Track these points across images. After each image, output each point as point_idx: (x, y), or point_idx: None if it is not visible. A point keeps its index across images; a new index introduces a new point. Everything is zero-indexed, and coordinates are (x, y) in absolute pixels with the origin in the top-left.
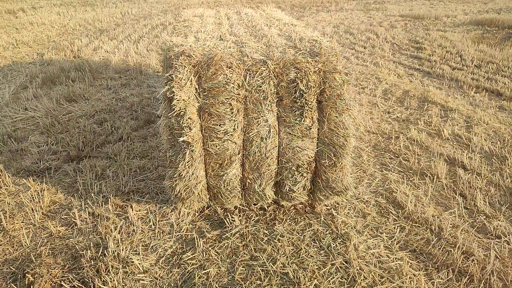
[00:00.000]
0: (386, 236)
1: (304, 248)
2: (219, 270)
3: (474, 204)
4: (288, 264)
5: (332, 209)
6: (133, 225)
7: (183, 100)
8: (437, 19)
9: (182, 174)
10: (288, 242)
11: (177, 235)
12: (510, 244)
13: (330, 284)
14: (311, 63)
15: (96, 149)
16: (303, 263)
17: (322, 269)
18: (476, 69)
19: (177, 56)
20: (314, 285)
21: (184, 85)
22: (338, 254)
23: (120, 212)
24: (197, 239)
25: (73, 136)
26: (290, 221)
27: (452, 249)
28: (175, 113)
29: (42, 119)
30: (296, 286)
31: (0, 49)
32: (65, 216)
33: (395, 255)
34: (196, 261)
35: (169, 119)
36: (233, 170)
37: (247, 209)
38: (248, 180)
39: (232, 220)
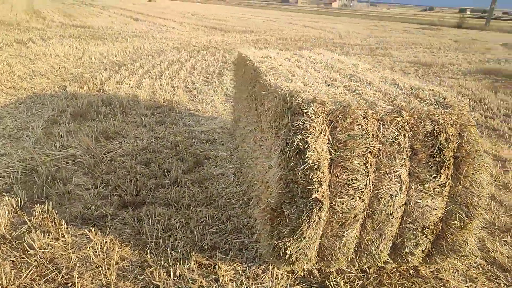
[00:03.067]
0: None
1: None
2: None
3: None
4: None
5: (436, 271)
6: None
7: (317, 152)
8: (444, 66)
9: (304, 235)
10: None
11: None
12: None
13: None
14: (446, 115)
15: (151, 194)
16: None
17: None
18: (506, 118)
19: (307, 103)
20: None
21: (319, 135)
22: None
23: (205, 273)
24: None
25: (121, 178)
26: (399, 286)
27: None
28: (308, 166)
29: (85, 158)
30: None
31: (18, 80)
32: (142, 276)
33: None
34: None
35: (290, 171)
36: (354, 231)
37: (347, 270)
38: (365, 241)
39: (335, 284)
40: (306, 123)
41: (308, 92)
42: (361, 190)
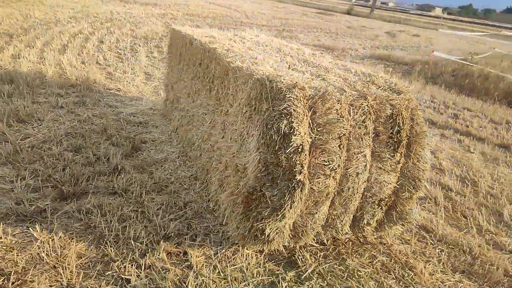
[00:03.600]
0: (436, 260)
1: (385, 281)
2: None
3: (478, 223)
4: None
5: (379, 238)
6: (201, 275)
7: (301, 136)
8: (344, 51)
9: (285, 215)
10: (367, 277)
11: (254, 281)
12: None
13: None
14: (401, 100)
15: (92, 183)
16: None
17: None
18: None
19: (288, 88)
20: None
21: (302, 120)
22: (416, 284)
23: (176, 261)
24: (279, 283)
25: (50, 167)
26: (354, 254)
27: (493, 269)
28: (292, 150)
29: (1, 146)
30: None
31: None
32: (108, 272)
33: (454, 278)
34: None
35: (271, 154)
36: (325, 208)
37: (309, 244)
38: (332, 216)
39: (302, 258)
40: (290, 108)
41: (284, 77)
42: (335, 170)
